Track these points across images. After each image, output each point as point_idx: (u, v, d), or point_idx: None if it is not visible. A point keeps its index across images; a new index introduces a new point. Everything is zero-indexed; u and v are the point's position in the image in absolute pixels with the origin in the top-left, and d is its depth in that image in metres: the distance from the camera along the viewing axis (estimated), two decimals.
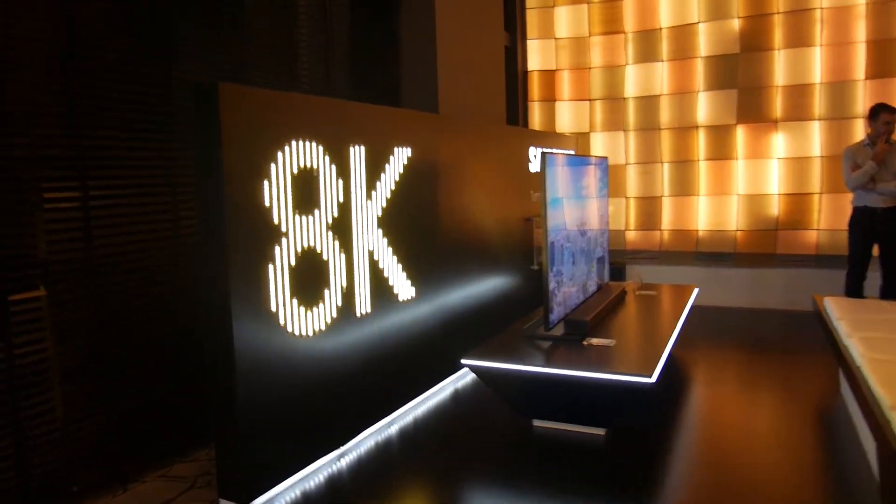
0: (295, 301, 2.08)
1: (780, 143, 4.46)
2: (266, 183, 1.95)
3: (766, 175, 4.53)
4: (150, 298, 2.26)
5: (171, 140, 2.34)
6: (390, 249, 2.57)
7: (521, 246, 3.77)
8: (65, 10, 1.99)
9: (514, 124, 4.97)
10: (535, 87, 5.13)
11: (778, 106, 4.44)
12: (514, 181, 3.69)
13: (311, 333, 2.14)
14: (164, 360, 2.32)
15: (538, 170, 3.91)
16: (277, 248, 2.00)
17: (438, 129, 2.95)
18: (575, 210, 2.98)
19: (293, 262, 2.07)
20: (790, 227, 4.48)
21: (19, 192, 1.87)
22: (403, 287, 2.66)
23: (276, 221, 1.99)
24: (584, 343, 2.57)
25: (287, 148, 2.03)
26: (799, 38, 4.36)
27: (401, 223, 2.62)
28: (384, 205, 2.52)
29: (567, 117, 5.04)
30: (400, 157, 2.62)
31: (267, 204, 1.96)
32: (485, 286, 3.35)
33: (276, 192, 1.99)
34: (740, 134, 4.56)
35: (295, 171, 2.06)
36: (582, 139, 4.97)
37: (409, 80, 3.70)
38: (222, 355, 1.87)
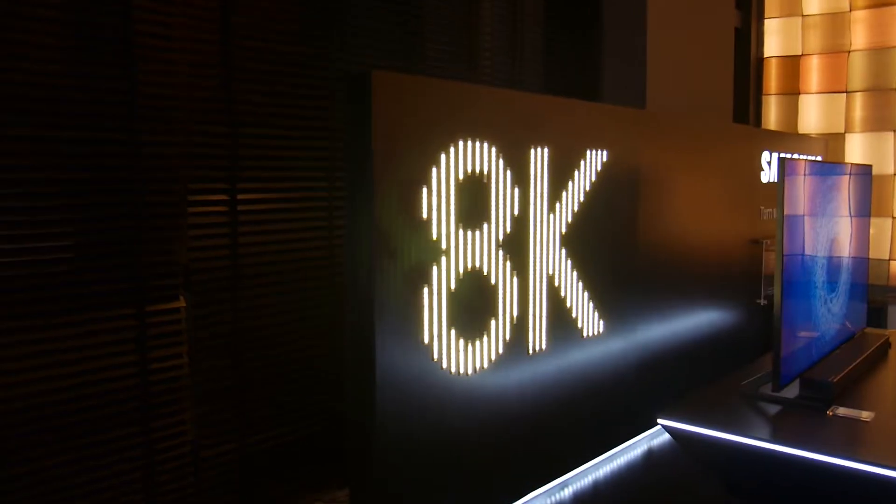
0: (453, 332, 1.91)
1: None
2: (425, 190, 1.80)
3: None
4: (298, 316, 2.23)
5: (330, 139, 2.29)
6: (575, 274, 2.32)
7: (746, 275, 3.33)
8: None
9: (743, 123, 4.49)
10: (772, 77, 4.58)
11: None
12: (741, 194, 3.27)
13: (470, 371, 1.97)
14: (310, 385, 2.27)
15: (773, 180, 3.45)
16: (435, 268, 1.85)
17: (643, 127, 2.64)
18: (822, 232, 2.55)
19: (453, 286, 1.90)
20: None
21: (166, 194, 1.89)
22: (590, 320, 2.39)
23: (434, 236, 1.84)
24: (828, 413, 2.14)
25: (452, 149, 1.87)
26: None
27: (590, 242, 2.36)
28: (570, 220, 2.28)
29: (814, 114, 4.45)
30: (593, 162, 2.37)
31: (425, 215, 1.81)
32: (694, 323, 2.98)
33: (437, 202, 1.84)
34: None
35: (461, 176, 1.90)
36: (834, 142, 4.34)
37: (612, 70, 3.43)
38: (362, 389, 1.75)
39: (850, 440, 1.96)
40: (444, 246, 1.87)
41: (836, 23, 4.34)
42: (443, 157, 1.85)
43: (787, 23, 4.50)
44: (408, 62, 2.61)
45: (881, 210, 4.20)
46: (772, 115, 4.60)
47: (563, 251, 2.27)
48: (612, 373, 2.52)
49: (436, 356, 1.87)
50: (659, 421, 2.14)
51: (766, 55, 4.59)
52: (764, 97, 4.62)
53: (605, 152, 2.41)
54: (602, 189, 2.40)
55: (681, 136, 2.89)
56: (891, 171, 4.19)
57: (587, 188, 2.35)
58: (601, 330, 2.45)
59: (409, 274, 1.79)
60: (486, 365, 2.02)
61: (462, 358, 1.95)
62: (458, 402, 1.94)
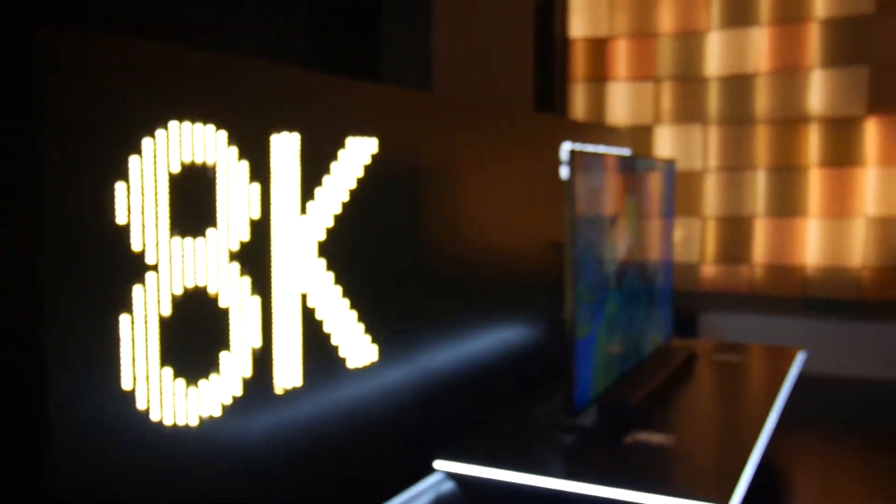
0: (168, 371, 1.77)
1: None
2: (122, 186, 1.65)
3: None
4: None
5: None
6: (338, 289, 2.26)
7: (548, 284, 3.47)
8: None
9: (548, 111, 4.71)
10: (578, 61, 4.86)
11: None
12: (542, 192, 3.41)
13: (194, 421, 1.83)
14: None
15: None
16: (139, 289, 1.70)
17: (425, 112, 2.66)
18: (622, 234, 2.71)
19: (167, 311, 1.76)
20: None
21: None
22: (358, 346, 2.34)
23: (137, 247, 1.69)
24: (627, 440, 2.25)
25: (162, 132, 1.73)
26: None
27: (356, 251, 2.32)
28: (329, 224, 2.22)
29: (622, 104, 4.79)
30: (357, 153, 2.32)
31: (122, 220, 1.65)
32: (489, 343, 3.04)
33: (141, 202, 1.69)
34: (871, 130, 4.23)
35: (176, 168, 1.77)
36: (641, 134, 4.71)
37: (393, 47, 3.43)
38: (30, 462, 1.56)
39: (648, 471, 2.07)
40: (151, 260, 1.72)
41: (643, 2, 4.69)
42: (147, 142, 1.70)
43: (592, 1, 4.79)
44: (129, 23, 2.41)
45: (690, 209, 4.58)
46: (579, 104, 4.87)
47: (321, 262, 2.20)
48: (386, 409, 2.48)
49: (142, 405, 1.71)
50: (437, 465, 2.14)
51: (571, 36, 4.86)
52: (570, 84, 4.88)
53: (374, 140, 2.38)
54: (371, 186, 2.36)
55: (472, 123, 2.94)
56: (699, 166, 4.58)
57: (352, 185, 2.30)
58: (374, 358, 2.41)
59: (97, 297, 1.62)
60: (217, 411, 1.89)
61: (182, 404, 1.80)
62: (179, 463, 1.80)
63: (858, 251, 4.27)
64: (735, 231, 4.56)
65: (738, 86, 4.50)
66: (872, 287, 4.26)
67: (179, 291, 1.79)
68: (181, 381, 1.80)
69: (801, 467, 3.05)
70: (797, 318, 4.42)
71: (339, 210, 2.25)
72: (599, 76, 4.82)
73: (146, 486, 1.73)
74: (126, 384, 1.67)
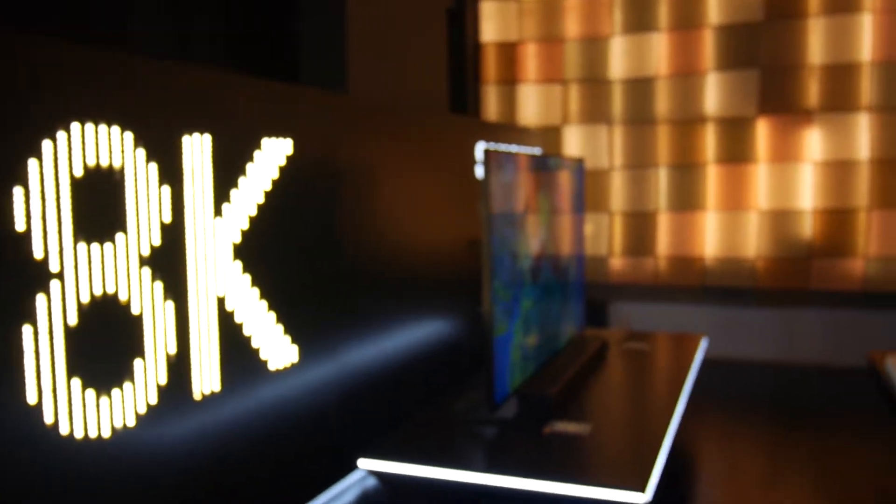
0: (76, 383, 1.63)
1: (815, 141, 4.24)
2: (19, 192, 1.50)
3: (796, 184, 4.30)
4: None
5: None
6: (256, 291, 2.14)
7: (468, 280, 3.40)
8: None
9: (461, 113, 4.66)
10: (490, 65, 4.83)
11: (813, 92, 4.22)
12: (459, 191, 3.35)
13: (107, 433, 1.70)
14: None
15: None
16: (42, 299, 1.55)
17: (341, 114, 2.56)
18: (536, 231, 2.67)
19: (73, 321, 1.62)
20: (828, 253, 4.24)
21: None
22: (278, 348, 2.23)
23: (39, 255, 1.55)
24: (546, 430, 2.21)
25: (63, 134, 1.59)
26: (843, 1, 4.14)
27: (274, 252, 2.21)
28: (245, 226, 2.10)
29: (532, 105, 4.78)
30: (273, 154, 2.21)
31: (21, 227, 1.51)
32: (408, 340, 2.97)
33: (41, 207, 1.55)
34: (762, 129, 4.34)
35: (79, 172, 1.63)
36: (551, 134, 4.70)
37: (310, 49, 3.31)
38: None
39: (567, 460, 2.04)
40: (54, 267, 1.58)
41: (550, 9, 4.69)
42: (47, 145, 1.56)
43: (502, 7, 4.76)
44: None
45: (598, 205, 4.61)
46: (491, 105, 4.84)
47: (238, 265, 2.08)
48: (309, 409, 2.37)
49: (49, 418, 1.57)
50: (360, 463, 2.05)
51: (483, 41, 4.82)
52: (482, 86, 4.85)
53: (289, 142, 2.27)
54: (287, 186, 2.25)
55: (388, 124, 2.86)
56: (605, 164, 4.61)
57: (267, 187, 2.19)
58: (295, 359, 2.30)
59: None
60: (132, 421, 1.76)
61: (93, 416, 1.66)
62: (92, 477, 1.66)
63: (752, 242, 4.38)
64: (640, 225, 4.60)
65: (639, 88, 4.55)
66: (766, 275, 4.37)
67: (87, 299, 1.65)
68: (91, 392, 1.66)
69: (709, 447, 3.09)
70: (698, 305, 4.49)
71: (254, 212, 2.14)
72: (510, 79, 4.80)
73: (59, 501, 1.59)
74: (31, 398, 1.53)
